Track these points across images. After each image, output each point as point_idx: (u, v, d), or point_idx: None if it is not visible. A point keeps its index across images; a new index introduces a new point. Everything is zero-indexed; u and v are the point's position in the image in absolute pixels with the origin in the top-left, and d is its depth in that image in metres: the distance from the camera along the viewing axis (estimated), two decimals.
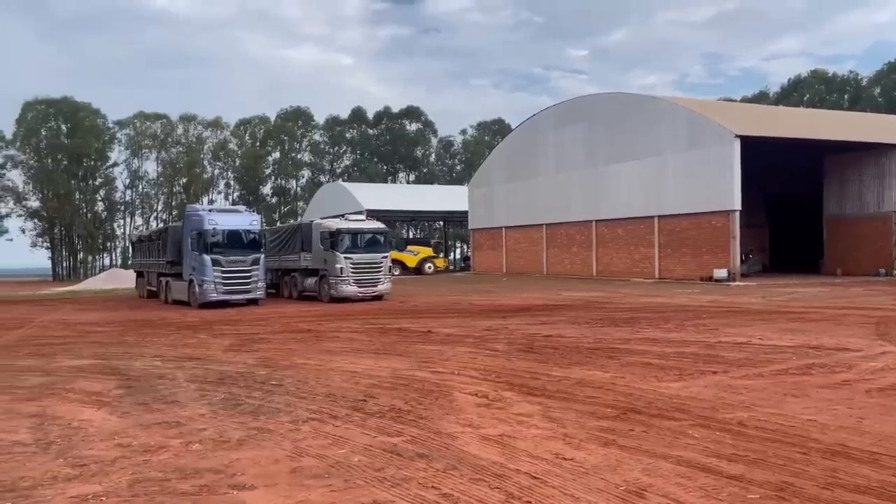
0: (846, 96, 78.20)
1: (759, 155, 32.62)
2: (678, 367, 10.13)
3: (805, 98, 78.74)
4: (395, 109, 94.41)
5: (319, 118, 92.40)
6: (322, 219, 30.72)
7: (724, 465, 5.53)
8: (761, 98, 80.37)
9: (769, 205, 41.38)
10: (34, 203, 75.55)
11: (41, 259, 78.81)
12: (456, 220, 61.72)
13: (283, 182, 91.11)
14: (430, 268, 49.58)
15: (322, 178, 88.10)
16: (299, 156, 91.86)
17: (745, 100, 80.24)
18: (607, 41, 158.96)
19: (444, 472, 5.50)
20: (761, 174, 35.94)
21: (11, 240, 75.72)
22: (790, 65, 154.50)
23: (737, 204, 30.25)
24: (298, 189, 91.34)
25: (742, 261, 31.98)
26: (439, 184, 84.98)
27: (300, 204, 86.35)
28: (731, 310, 18.95)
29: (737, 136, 30.06)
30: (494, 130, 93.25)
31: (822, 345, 11.94)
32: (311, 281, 26.61)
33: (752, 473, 5.29)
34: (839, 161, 35.23)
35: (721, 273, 30.33)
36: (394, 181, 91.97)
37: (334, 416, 7.47)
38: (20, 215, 75.49)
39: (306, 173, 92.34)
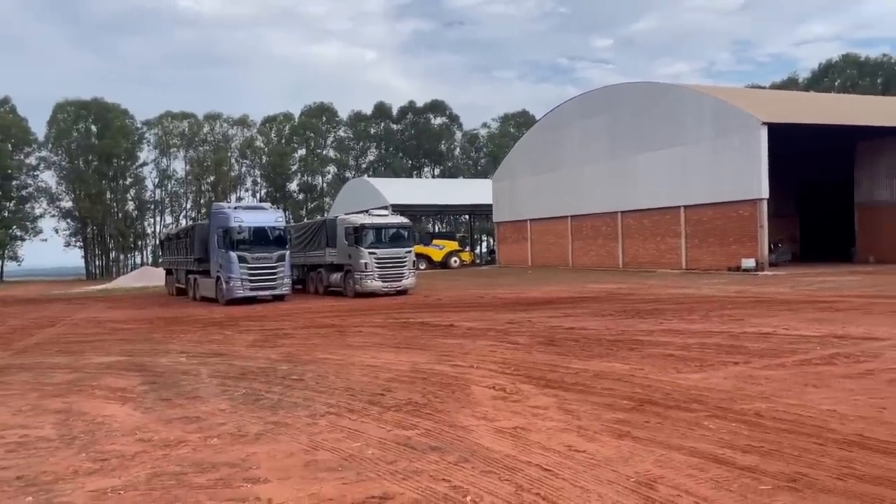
0: (879, 80, 76.41)
1: (789, 142, 32.05)
2: (699, 358, 10.04)
3: (836, 83, 77.11)
4: (420, 104, 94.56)
5: (343, 114, 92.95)
6: (346, 214, 30.92)
7: (738, 456, 5.48)
8: (791, 84, 78.86)
9: (799, 193, 40.65)
10: (67, 203, 77.14)
11: (75, 258, 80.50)
12: (481, 213, 61.60)
13: (310, 178, 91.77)
14: (455, 262, 49.58)
15: (347, 174, 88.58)
16: (324, 152, 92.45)
17: (774, 86, 78.83)
18: (633, 30, 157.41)
19: (456, 464, 5.54)
20: (791, 162, 35.34)
21: (46, 240, 77.43)
22: (821, 49, 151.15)
23: (764, 192, 29.77)
24: (324, 185, 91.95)
25: (770, 250, 31.48)
26: (464, 177, 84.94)
27: (326, 200, 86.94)
28: (757, 300, 18.70)
29: (763, 123, 29.56)
30: (519, 123, 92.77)
31: (848, 334, 11.74)
32: (336, 276, 26.82)
33: (766, 464, 5.25)
34: (871, 147, 34.47)
35: (749, 263, 29.91)
36: (419, 176, 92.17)
37: (351, 410, 7.55)
38: (53, 216, 77.17)
39: (332, 169, 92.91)
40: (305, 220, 66.58)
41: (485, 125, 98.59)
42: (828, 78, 78.53)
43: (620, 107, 38.00)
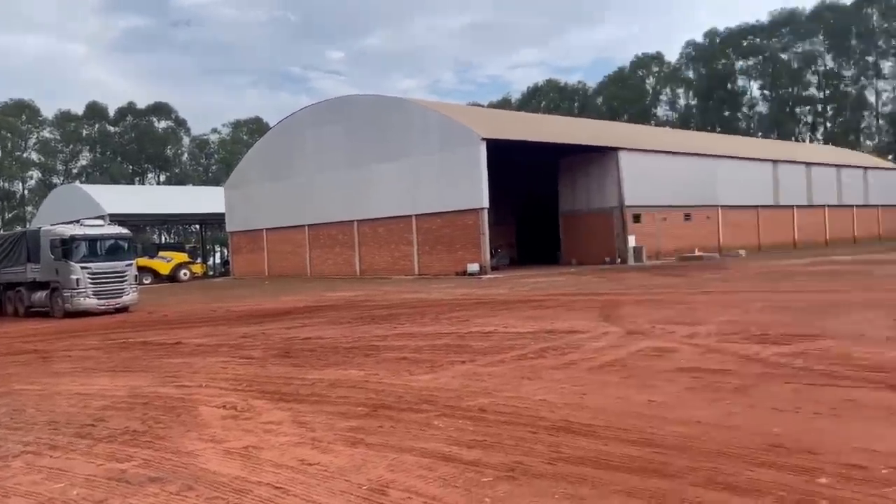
0: (576, 104, 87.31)
1: (507, 157, 35.13)
2: (430, 359, 10.47)
3: (542, 104, 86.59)
4: (141, 105, 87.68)
5: (48, 113, 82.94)
6: (53, 225, 27.48)
7: (464, 451, 5.76)
8: (505, 104, 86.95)
9: (515, 203, 44.81)
10: None
11: None
12: (214, 222, 58.77)
13: (7, 184, 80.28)
14: (185, 274, 46.76)
15: (55, 180, 79.08)
16: (25, 154, 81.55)
17: (491, 105, 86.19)
18: (365, 44, 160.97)
19: (179, 494, 5.10)
20: (508, 175, 38.77)
21: None
22: (529, 74, 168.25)
23: (485, 202, 32.28)
24: (26, 192, 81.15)
25: (492, 255, 34.22)
26: (194, 185, 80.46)
27: (29, 209, 76.73)
28: (481, 301, 20.13)
29: (483, 138, 32.08)
30: (252, 129, 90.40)
31: (556, 329, 13.07)
32: (40, 295, 23.71)
33: (488, 457, 5.58)
34: (571, 163, 39.15)
35: (473, 267, 32.20)
36: (142, 182, 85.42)
37: (54, 447, 6.63)
38: None
39: (35, 174, 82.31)
40: (2, 231, 58.05)
41: (215, 131, 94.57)
42: (535, 100, 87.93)
43: (354, 117, 38.71)
